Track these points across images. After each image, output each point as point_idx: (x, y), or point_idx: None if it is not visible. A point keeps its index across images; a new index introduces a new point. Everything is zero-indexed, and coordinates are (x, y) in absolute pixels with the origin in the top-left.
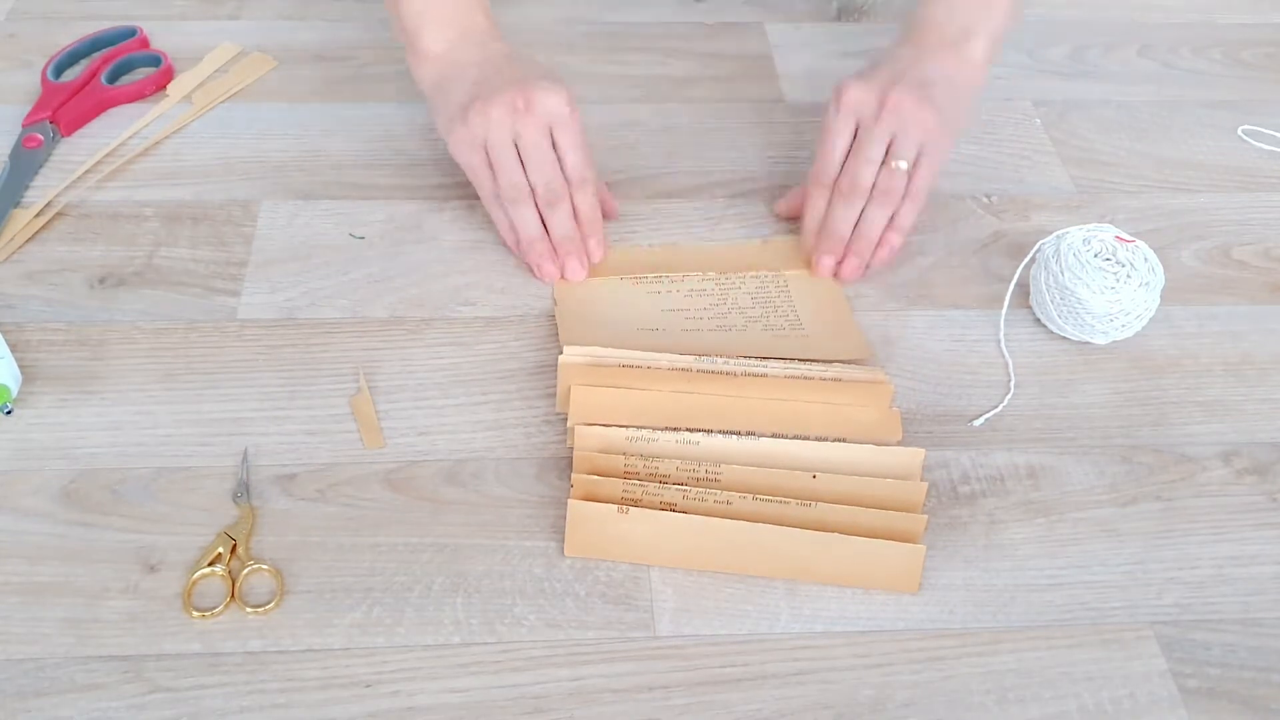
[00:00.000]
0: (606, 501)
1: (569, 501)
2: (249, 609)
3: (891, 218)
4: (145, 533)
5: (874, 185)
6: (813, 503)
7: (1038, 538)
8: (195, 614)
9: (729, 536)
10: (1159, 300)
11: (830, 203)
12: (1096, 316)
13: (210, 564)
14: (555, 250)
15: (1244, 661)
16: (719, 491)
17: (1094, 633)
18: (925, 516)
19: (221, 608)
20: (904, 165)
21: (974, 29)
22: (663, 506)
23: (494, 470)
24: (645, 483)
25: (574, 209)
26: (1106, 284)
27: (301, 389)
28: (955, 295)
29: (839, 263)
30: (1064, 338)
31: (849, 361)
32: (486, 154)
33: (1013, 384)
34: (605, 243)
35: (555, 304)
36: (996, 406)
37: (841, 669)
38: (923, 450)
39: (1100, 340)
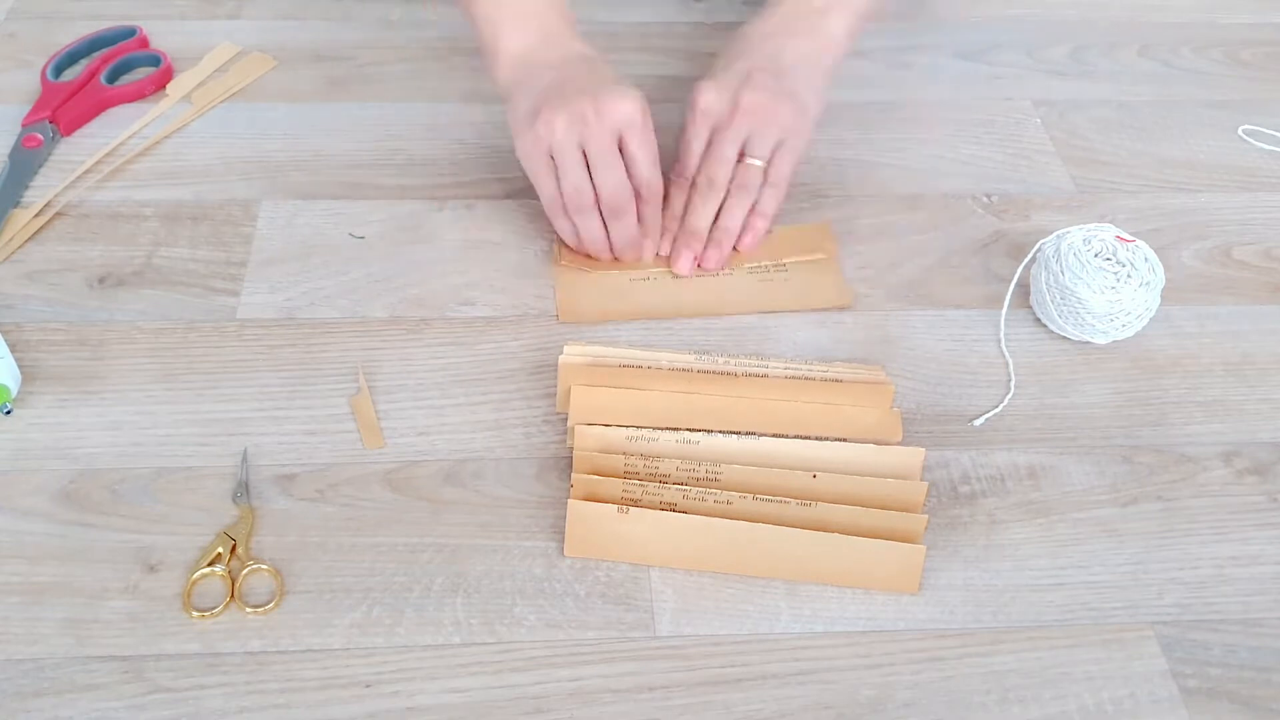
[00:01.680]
0: (606, 501)
1: (569, 501)
2: (249, 609)
3: (754, 206)
4: (145, 533)
5: (731, 180)
6: (813, 503)
7: (1038, 538)
8: (195, 614)
9: (729, 536)
10: (1159, 300)
11: (689, 199)
12: (1097, 316)
13: (210, 564)
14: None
15: (1244, 661)
16: (719, 491)
17: (1094, 633)
18: (925, 516)
19: (221, 608)
20: (759, 162)
21: (834, 5)
22: (663, 506)
23: (494, 470)
24: (645, 483)
25: (639, 216)
26: (1107, 284)
27: (301, 389)
28: (955, 295)
29: (698, 257)
30: (1064, 338)
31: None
32: (552, 160)
33: (1013, 384)
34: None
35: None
36: (996, 406)
37: (841, 669)
38: (923, 450)
39: (1100, 340)
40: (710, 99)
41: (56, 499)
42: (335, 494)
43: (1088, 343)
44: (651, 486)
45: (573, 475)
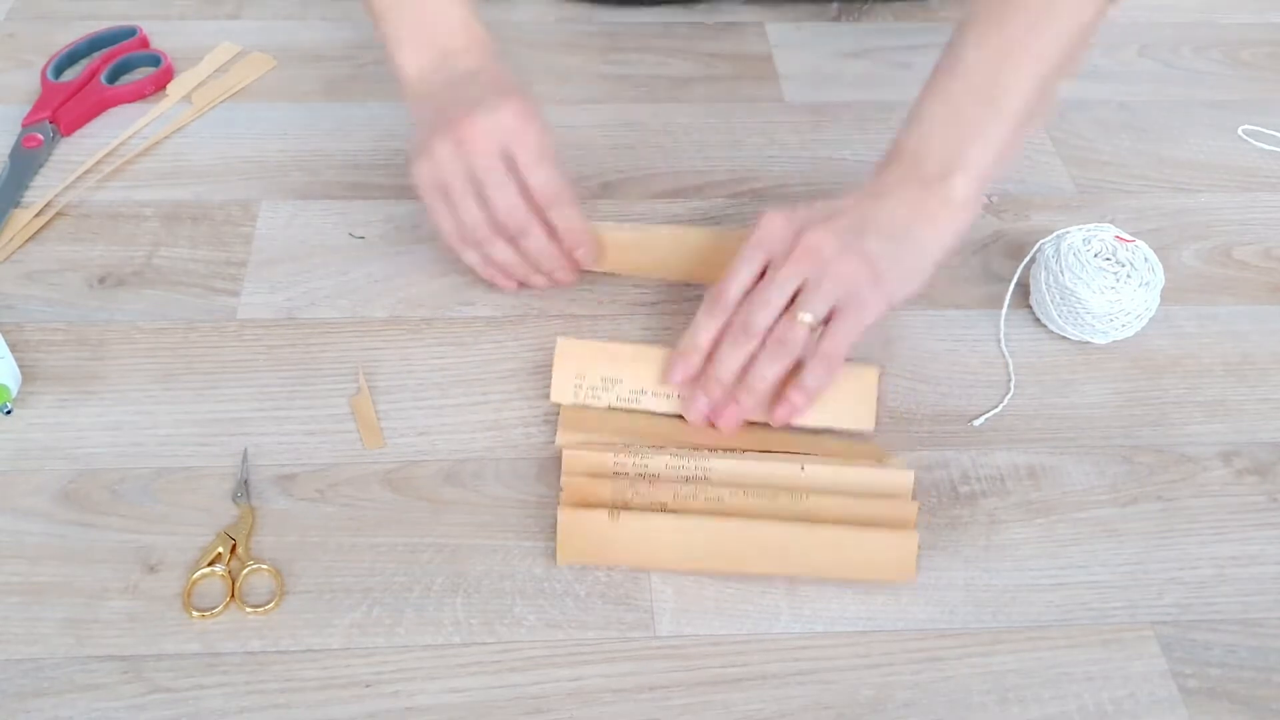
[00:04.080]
0: (597, 505)
1: (559, 509)
2: (249, 609)
3: (800, 372)
4: (145, 533)
5: (770, 332)
6: (804, 494)
7: (1038, 538)
8: (195, 614)
9: (721, 536)
10: (1159, 300)
11: (718, 341)
12: (1096, 316)
13: (210, 564)
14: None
15: (1244, 661)
16: (709, 488)
17: (1094, 633)
18: (916, 503)
19: (221, 608)
20: (808, 318)
21: (958, 162)
22: (653, 506)
23: (494, 470)
24: (635, 482)
25: (552, 227)
26: (1106, 284)
27: (301, 389)
28: (955, 295)
29: (717, 409)
30: (1064, 338)
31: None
32: (445, 194)
33: (1013, 384)
34: (593, 252)
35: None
36: (996, 406)
37: (841, 669)
38: (912, 472)
39: (1100, 340)
40: (775, 226)
41: (56, 499)
42: (335, 494)
43: (1088, 343)
44: (642, 486)
45: (562, 479)
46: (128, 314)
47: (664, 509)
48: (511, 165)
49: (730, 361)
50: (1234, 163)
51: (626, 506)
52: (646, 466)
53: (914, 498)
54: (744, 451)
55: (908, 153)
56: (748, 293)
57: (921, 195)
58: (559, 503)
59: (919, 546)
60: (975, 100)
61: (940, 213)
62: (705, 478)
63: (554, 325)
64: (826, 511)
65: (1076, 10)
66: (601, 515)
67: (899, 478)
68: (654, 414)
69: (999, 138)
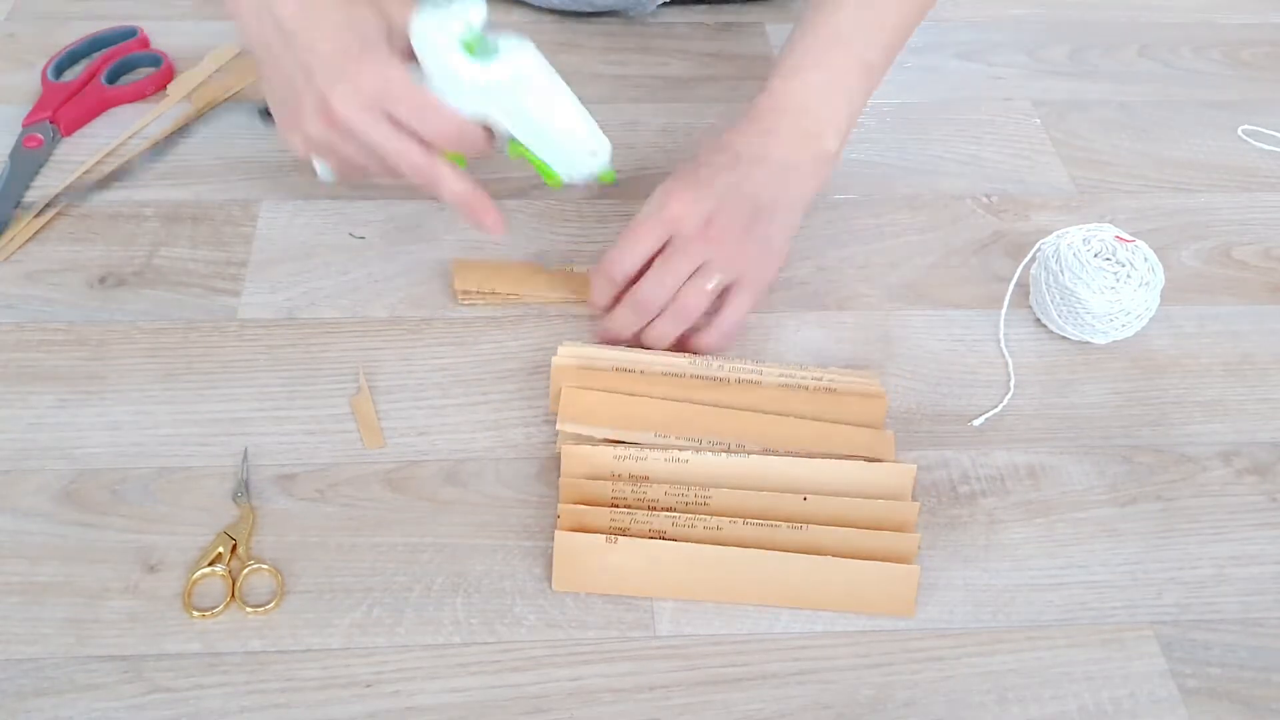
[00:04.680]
0: (594, 531)
1: (556, 533)
2: (249, 609)
3: (696, 333)
4: (145, 533)
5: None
6: (804, 525)
7: (1038, 538)
8: (195, 614)
9: (720, 564)
10: (1159, 300)
11: (620, 305)
12: (1096, 316)
13: (210, 564)
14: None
15: (1244, 661)
16: (708, 518)
17: (1094, 633)
18: (917, 504)
19: (221, 608)
20: (710, 286)
21: (834, 123)
22: (651, 534)
23: (494, 470)
24: (634, 510)
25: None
26: (1106, 284)
27: (301, 389)
28: (955, 295)
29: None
30: (1064, 338)
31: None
32: (337, 159)
33: (1012, 384)
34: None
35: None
36: (996, 406)
37: (841, 669)
38: (914, 467)
39: (1100, 340)
40: (683, 209)
41: (57, 499)
42: (335, 494)
43: (1087, 343)
44: (640, 514)
45: (559, 506)
46: (128, 314)
47: (662, 537)
48: (396, 122)
49: (630, 325)
50: (1234, 163)
51: (625, 533)
52: (645, 493)
53: (914, 497)
54: (749, 453)
55: (791, 109)
56: (643, 261)
57: (802, 150)
58: (556, 526)
59: (919, 546)
60: (852, 69)
61: (816, 168)
62: (705, 504)
63: (554, 325)
64: (827, 542)
65: None
66: (599, 540)
67: (899, 476)
68: (652, 397)
69: (864, 100)
